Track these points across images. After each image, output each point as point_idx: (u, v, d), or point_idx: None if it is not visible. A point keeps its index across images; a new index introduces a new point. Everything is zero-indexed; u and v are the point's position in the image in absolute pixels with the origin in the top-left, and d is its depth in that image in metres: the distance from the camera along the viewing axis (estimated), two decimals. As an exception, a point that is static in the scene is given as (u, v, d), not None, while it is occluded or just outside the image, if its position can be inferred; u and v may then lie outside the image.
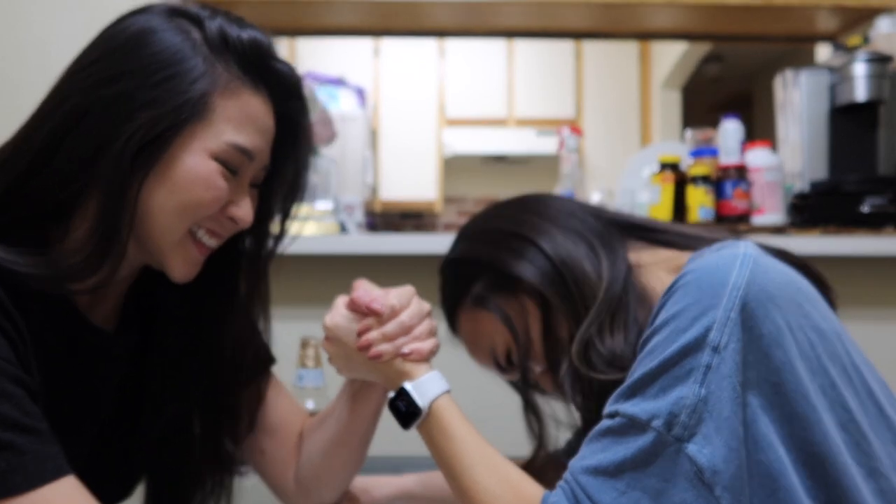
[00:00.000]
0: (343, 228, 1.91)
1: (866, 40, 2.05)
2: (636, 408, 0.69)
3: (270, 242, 0.88)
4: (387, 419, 0.87)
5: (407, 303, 0.85)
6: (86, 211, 0.76)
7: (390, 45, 4.98)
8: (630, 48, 5.08)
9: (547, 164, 4.72)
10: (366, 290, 0.86)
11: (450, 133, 5.11)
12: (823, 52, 2.83)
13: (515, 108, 5.16)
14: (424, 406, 0.80)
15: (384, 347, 0.82)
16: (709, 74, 5.50)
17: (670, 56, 4.72)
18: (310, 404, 1.34)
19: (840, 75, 1.96)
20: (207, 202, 0.77)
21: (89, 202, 0.76)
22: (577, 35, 3.25)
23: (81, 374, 0.81)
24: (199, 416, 0.90)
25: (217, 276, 0.87)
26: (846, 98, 1.95)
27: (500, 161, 5.33)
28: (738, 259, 0.72)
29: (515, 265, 0.88)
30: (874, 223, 1.88)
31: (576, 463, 0.71)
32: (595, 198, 2.17)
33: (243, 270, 0.89)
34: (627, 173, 2.22)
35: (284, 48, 4.81)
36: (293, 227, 0.89)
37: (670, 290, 0.73)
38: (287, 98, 0.83)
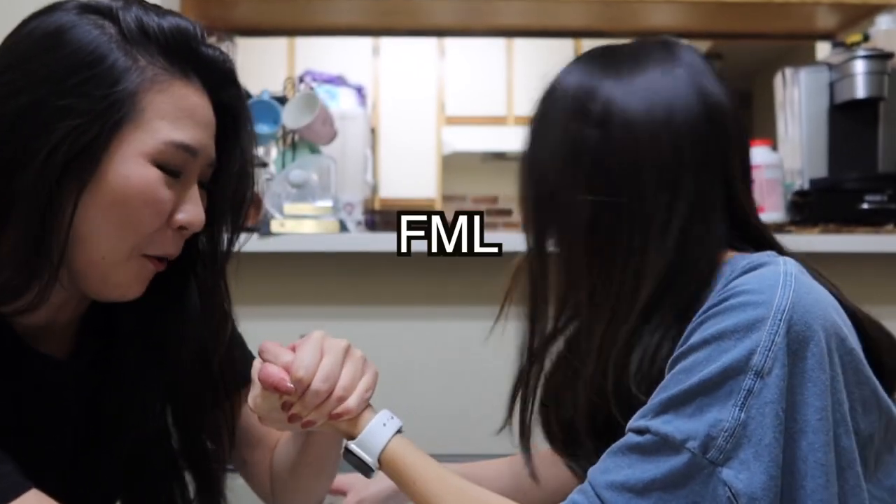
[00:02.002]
0: (343, 227, 1.90)
1: (866, 38, 2.05)
2: (669, 426, 0.66)
3: (224, 243, 0.81)
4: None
5: (315, 365, 0.74)
6: (13, 230, 0.69)
7: (390, 43, 4.97)
8: (629, 46, 5.07)
9: (546, 162, 4.71)
10: (272, 358, 0.77)
11: (449, 131, 5.10)
12: (823, 49, 2.82)
13: (515, 106, 5.14)
14: (373, 462, 0.77)
15: (311, 417, 0.77)
16: (708, 72, 5.49)
17: (670, 54, 4.71)
18: (310, 403, 1.34)
19: (840, 72, 1.96)
20: (148, 217, 0.71)
21: (14, 222, 0.69)
22: (577, 34, 3.25)
23: (36, 402, 0.77)
24: (177, 431, 0.87)
25: (168, 288, 0.81)
26: (846, 95, 1.94)
27: (499, 159, 5.32)
28: (780, 278, 0.69)
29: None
30: (874, 221, 1.87)
31: (598, 477, 0.68)
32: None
33: (199, 277, 0.82)
34: (627, 171, 2.21)
35: (284, 47, 4.81)
36: (244, 224, 0.82)
37: (712, 308, 0.70)
38: (222, 86, 0.76)
